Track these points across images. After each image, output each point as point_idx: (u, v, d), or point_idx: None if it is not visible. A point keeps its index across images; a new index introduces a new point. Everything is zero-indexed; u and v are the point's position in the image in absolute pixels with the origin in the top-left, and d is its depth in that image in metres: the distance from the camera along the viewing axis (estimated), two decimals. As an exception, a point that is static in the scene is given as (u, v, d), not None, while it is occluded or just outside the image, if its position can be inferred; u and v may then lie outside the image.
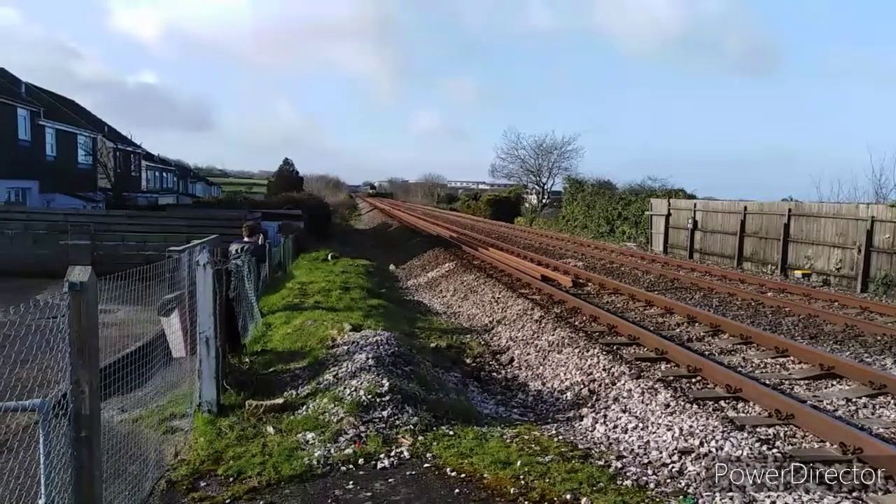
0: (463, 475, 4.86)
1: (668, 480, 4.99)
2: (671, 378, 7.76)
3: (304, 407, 6.20)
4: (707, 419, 6.15)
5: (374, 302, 12.69)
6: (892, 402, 6.98)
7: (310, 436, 5.54)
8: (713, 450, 5.55)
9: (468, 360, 9.92)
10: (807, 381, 7.79)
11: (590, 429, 6.54)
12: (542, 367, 9.12)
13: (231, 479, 4.82)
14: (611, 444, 5.99)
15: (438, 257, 22.99)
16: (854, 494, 4.75)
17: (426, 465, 5.07)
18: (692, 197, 28.56)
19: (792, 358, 8.71)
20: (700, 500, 4.64)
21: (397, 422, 5.85)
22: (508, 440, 5.60)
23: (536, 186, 55.77)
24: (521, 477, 4.77)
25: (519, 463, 5.00)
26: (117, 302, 4.51)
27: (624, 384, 7.51)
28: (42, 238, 19.98)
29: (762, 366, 8.54)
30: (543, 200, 54.06)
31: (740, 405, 6.88)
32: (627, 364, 8.24)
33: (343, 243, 29.24)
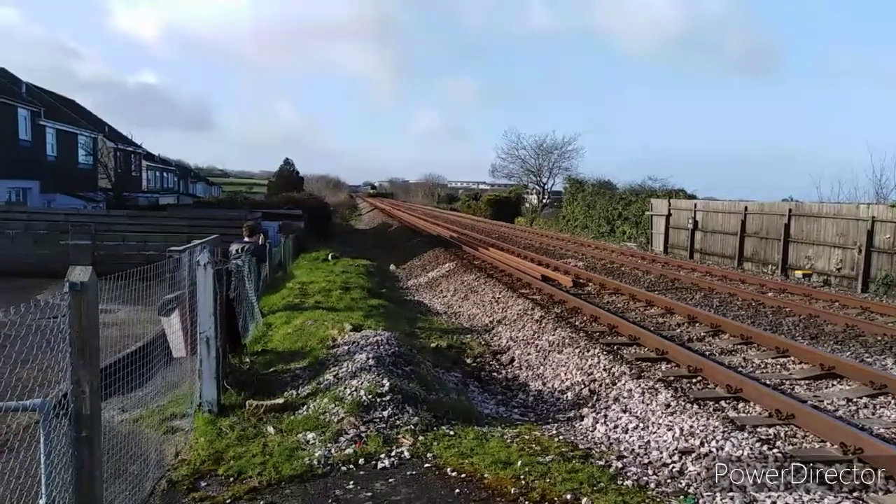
0: (463, 475, 4.86)
1: (669, 480, 4.99)
2: (672, 378, 7.75)
3: (305, 407, 6.20)
4: (707, 419, 6.15)
5: (374, 302, 12.70)
6: (892, 402, 6.98)
7: (310, 436, 5.54)
8: (714, 450, 5.55)
9: (469, 360, 9.92)
10: (807, 382, 7.79)
11: (590, 429, 6.54)
12: (542, 367, 9.11)
13: (232, 479, 4.82)
14: (611, 444, 5.99)
15: (439, 257, 22.99)
16: (854, 494, 4.75)
17: (427, 465, 5.07)
18: (692, 197, 28.56)
19: (792, 358, 8.71)
20: (700, 500, 4.64)
21: (398, 422, 5.85)
22: (509, 440, 5.60)
23: (537, 186, 55.74)
24: (522, 477, 4.77)
25: (519, 463, 5.00)
26: (118, 302, 4.52)
27: (624, 384, 7.51)
28: (43, 238, 19.98)
29: (763, 366, 8.53)
30: (544, 200, 54.03)
31: (741, 405, 6.88)
32: (628, 364, 8.23)
33: (343, 243, 29.24)
